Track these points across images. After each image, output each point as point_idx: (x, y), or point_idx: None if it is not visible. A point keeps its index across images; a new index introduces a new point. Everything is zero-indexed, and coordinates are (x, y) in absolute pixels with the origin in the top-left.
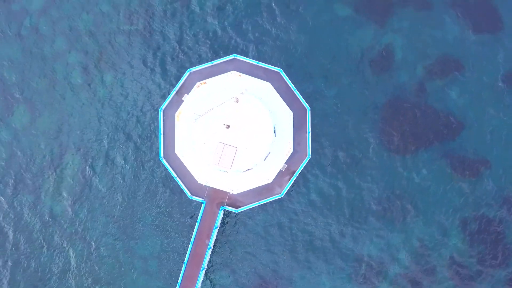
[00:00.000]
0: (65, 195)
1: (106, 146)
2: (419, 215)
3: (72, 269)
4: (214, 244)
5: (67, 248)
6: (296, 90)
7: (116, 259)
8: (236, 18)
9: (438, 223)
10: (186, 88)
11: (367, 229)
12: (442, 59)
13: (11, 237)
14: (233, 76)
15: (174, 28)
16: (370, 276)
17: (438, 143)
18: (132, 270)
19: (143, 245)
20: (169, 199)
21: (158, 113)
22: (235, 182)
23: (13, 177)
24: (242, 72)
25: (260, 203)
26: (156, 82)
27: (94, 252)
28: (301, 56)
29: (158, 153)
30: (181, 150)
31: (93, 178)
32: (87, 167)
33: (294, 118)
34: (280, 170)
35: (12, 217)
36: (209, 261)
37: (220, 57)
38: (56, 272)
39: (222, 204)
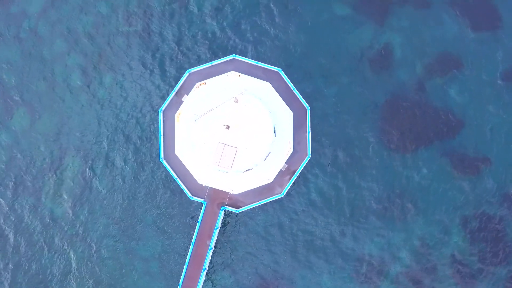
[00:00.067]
0: (66, 197)
1: (106, 147)
2: (420, 213)
3: (73, 271)
4: (215, 245)
5: (68, 250)
6: (295, 89)
7: (117, 261)
8: (234, 18)
9: (439, 222)
10: (186, 89)
11: (367, 228)
12: (441, 58)
13: (12, 239)
14: (232, 76)
15: (172, 29)
16: (371, 275)
17: (438, 141)
18: (133, 272)
19: (144, 246)
20: (169, 200)
21: (157, 114)
22: (235, 182)
23: (13, 180)
24: (242, 72)
25: (261, 203)
26: (156, 83)
27: (95, 254)
28: (300, 56)
29: (158, 154)
30: (181, 151)
31: (93, 179)
32: (87, 169)
33: (294, 118)
34: (281, 170)
35: (13, 219)
36: (210, 262)
37: (219, 57)
38: (57, 274)
39: (222, 204)
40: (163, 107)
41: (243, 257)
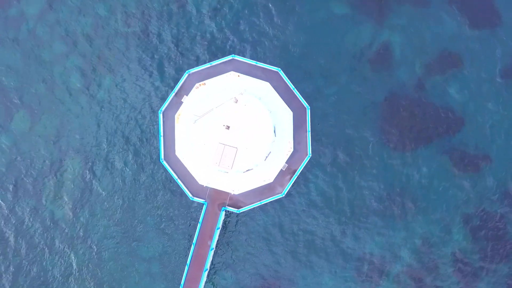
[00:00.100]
0: (66, 199)
1: (106, 149)
2: (420, 212)
3: (74, 273)
4: (216, 245)
5: (69, 252)
6: (295, 89)
7: (118, 262)
8: (233, 18)
9: (440, 220)
10: (185, 90)
11: (368, 228)
12: (441, 56)
13: (12, 242)
14: (232, 76)
15: (171, 29)
16: (373, 274)
17: (437, 140)
18: (135, 273)
19: (145, 247)
20: (170, 201)
21: (157, 115)
22: (236, 182)
23: (14, 182)
24: (241, 73)
25: (262, 203)
26: (155, 84)
27: (96, 256)
28: (299, 56)
29: (158, 155)
30: (181, 151)
31: (94, 181)
32: (87, 171)
33: (293, 117)
34: (281, 169)
35: (14, 222)
36: (212, 262)
37: (219, 58)
38: (58, 276)
39: (223, 204)
40: (163, 108)
41: (244, 257)
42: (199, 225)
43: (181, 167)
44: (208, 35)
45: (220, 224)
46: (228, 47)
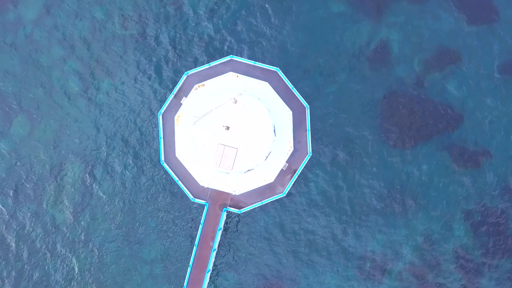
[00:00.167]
0: (67, 203)
1: (106, 152)
2: (421, 209)
3: (76, 277)
4: (218, 246)
5: (70, 256)
6: (294, 88)
7: (120, 265)
8: (230, 19)
9: (441, 217)
10: (184, 91)
11: (369, 226)
12: (439, 52)
13: (14, 247)
14: (230, 77)
15: (168, 32)
16: (375, 272)
17: (437, 136)
18: (137, 275)
19: (147, 249)
20: (171, 203)
21: (157, 118)
22: (237, 183)
23: (14, 187)
24: (240, 73)
25: (263, 203)
26: (154, 86)
27: (97, 259)
28: (298, 55)
29: (158, 158)
30: (181, 153)
31: (94, 185)
32: (88, 175)
33: (293, 117)
34: (282, 169)
35: (15, 227)
36: (214, 264)
37: (217, 58)
38: (60, 280)
39: (225, 205)
40: (162, 110)
41: (246, 258)
42: (200, 226)
43: (181, 168)
44: (205, 36)
45: (222, 224)
46: (226, 48)
